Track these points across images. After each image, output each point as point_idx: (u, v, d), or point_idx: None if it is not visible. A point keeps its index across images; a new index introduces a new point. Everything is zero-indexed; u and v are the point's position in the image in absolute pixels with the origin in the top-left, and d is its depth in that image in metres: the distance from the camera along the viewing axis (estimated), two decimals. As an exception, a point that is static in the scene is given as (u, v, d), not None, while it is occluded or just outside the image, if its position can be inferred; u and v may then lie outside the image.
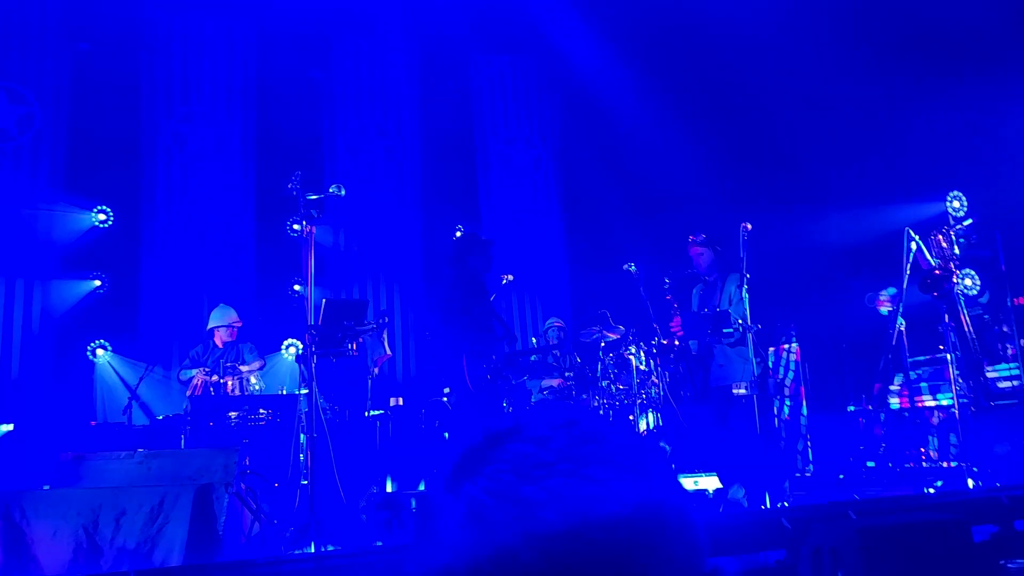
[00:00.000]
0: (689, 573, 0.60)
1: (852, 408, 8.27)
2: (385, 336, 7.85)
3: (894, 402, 7.45)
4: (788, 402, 8.07)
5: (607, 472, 0.60)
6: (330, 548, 4.00)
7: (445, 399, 7.09)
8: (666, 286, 6.27)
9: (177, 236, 8.98)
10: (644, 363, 7.29)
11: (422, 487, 5.99)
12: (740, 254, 5.91)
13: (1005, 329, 7.26)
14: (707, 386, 5.99)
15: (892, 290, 6.51)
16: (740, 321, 5.77)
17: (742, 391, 5.64)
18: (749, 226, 5.97)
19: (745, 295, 5.74)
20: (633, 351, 7.30)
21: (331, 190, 4.95)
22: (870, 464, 7.46)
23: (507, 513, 0.58)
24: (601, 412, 7.00)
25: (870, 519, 3.63)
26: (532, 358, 7.97)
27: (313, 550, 3.93)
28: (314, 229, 4.75)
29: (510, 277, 7.67)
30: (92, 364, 8.58)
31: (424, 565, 0.62)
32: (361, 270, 9.67)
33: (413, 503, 4.55)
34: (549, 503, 0.57)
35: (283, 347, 8.88)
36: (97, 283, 8.82)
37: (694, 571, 0.61)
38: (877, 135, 8.70)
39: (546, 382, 7.82)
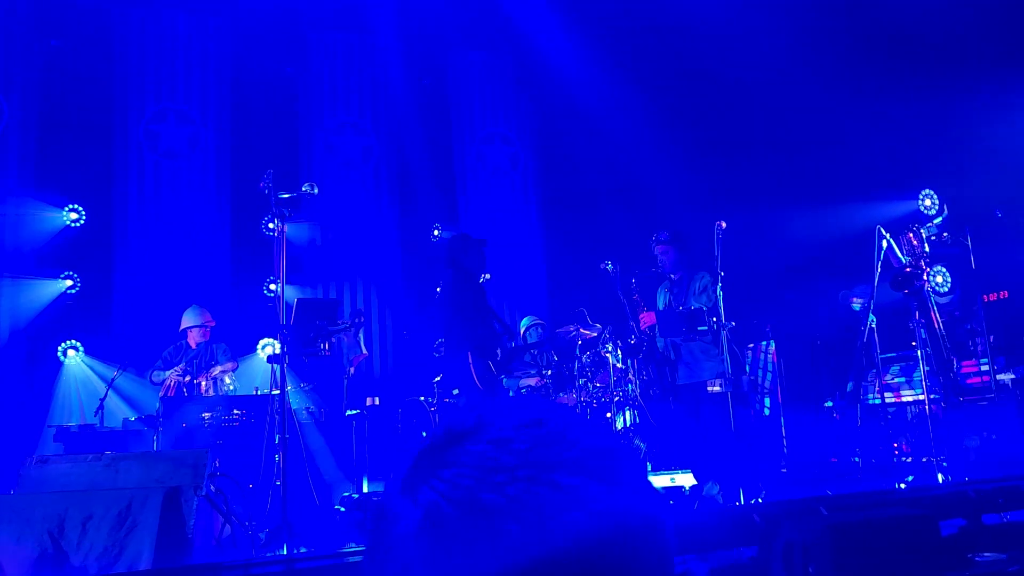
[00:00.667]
0: None
1: (829, 404, 8.36)
2: (361, 335, 7.82)
3: (869, 398, 7.53)
4: (767, 400, 8.14)
5: (574, 479, 0.56)
6: (302, 550, 3.97)
7: (420, 400, 7.07)
8: (633, 284, 6.28)
9: (151, 235, 8.87)
10: (621, 361, 7.31)
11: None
12: (715, 252, 5.95)
13: (976, 326, 7.37)
14: (675, 384, 6.02)
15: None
16: (714, 319, 5.81)
17: (716, 388, 5.67)
18: (724, 224, 6.02)
19: (720, 293, 5.78)
20: (610, 349, 7.32)
21: (304, 188, 4.91)
22: (856, 460, 7.53)
23: (466, 522, 0.54)
24: (577, 410, 7.01)
25: (840, 514, 3.66)
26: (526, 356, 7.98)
27: (285, 552, 3.91)
28: (286, 228, 4.71)
29: (487, 276, 7.67)
30: (59, 366, 8.44)
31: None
32: (337, 269, 9.62)
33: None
34: (511, 512, 0.54)
35: (259, 347, 8.80)
36: (68, 283, 8.69)
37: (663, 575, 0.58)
38: (850, 134, 8.78)
39: (524, 381, 7.82)
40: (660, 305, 6.26)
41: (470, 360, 5.36)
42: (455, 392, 6.18)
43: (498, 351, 5.55)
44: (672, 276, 6.19)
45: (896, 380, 7.47)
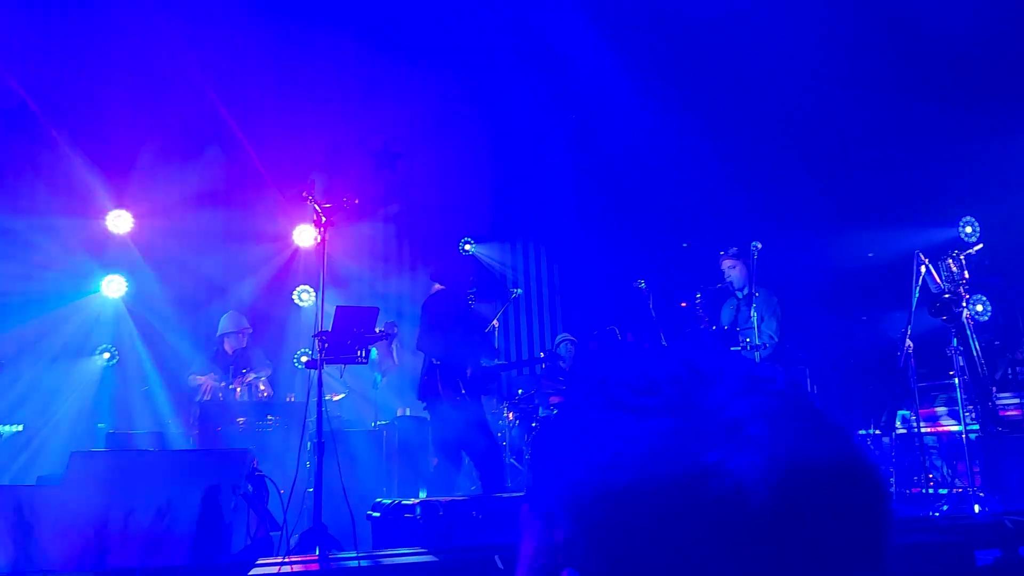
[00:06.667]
0: None
1: (863, 432, 8.23)
2: (395, 346, 7.91)
3: (908, 426, 7.41)
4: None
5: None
6: (334, 553, 4.03)
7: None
8: (698, 300, 6.26)
9: (194, 241, 9.04)
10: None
11: (423, 495, 6.00)
12: (751, 272, 5.96)
13: (1019, 355, 7.22)
14: None
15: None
16: (772, 337, 5.84)
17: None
18: (759, 245, 6.02)
19: (778, 311, 5.83)
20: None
21: (343, 199, 5.00)
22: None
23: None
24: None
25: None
26: (522, 371, 7.97)
27: (318, 554, 3.97)
28: (326, 236, 4.80)
29: (519, 291, 7.73)
30: (97, 368, 8.61)
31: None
32: (372, 279, 9.73)
33: (417, 511, 4.57)
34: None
35: (296, 355, 8.90)
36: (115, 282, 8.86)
37: None
38: (892, 160, 8.71)
39: (554, 399, 7.84)
40: (725, 321, 6.23)
41: (438, 376, 5.41)
42: (423, 407, 6.13)
43: (468, 370, 5.57)
44: (740, 293, 6.15)
45: (933, 409, 7.35)
